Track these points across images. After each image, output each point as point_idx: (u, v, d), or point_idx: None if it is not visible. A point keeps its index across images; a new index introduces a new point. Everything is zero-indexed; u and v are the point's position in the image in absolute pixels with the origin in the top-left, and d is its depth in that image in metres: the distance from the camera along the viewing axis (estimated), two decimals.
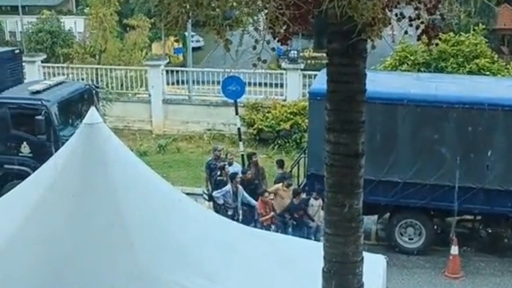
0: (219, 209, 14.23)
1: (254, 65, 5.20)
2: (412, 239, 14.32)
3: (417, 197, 13.86)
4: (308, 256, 7.02)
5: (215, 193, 14.50)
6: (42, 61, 24.79)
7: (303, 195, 14.15)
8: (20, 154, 15.85)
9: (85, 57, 28.88)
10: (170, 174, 18.55)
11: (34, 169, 9.81)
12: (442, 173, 13.75)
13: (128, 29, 31.19)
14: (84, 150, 6.93)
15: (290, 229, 13.93)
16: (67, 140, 7.73)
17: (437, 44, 5.60)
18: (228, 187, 14.32)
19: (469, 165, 13.77)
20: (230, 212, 14.09)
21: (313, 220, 14.02)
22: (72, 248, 6.57)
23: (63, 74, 22.94)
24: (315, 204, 13.98)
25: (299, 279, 7.19)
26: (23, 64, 19.50)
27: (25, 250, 6.67)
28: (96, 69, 25.08)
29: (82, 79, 23.35)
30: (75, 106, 16.71)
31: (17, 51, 18.76)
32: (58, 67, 25.34)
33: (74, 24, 38.35)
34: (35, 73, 23.36)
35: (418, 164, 13.95)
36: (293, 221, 14.05)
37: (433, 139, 13.88)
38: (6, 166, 15.88)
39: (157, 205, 7.11)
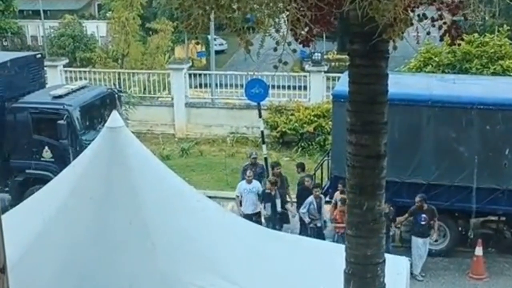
0: (307, 229, 13.77)
1: (275, 67, 5.20)
2: (436, 240, 14.19)
3: (442, 198, 13.75)
4: (332, 258, 6.98)
5: (301, 210, 14.00)
6: (64, 66, 24.96)
7: None
8: (42, 159, 15.89)
9: (108, 61, 29.08)
10: (193, 177, 18.59)
11: (56, 173, 9.88)
12: (466, 174, 13.65)
13: (151, 33, 31.36)
14: (106, 154, 6.97)
15: None
16: (89, 144, 7.78)
17: (459, 45, 5.55)
18: (311, 198, 13.86)
19: (493, 166, 13.66)
20: (319, 224, 13.82)
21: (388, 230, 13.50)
22: (95, 250, 6.61)
23: (85, 79, 23.13)
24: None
25: (321, 282, 7.16)
26: (45, 68, 19.62)
27: (49, 253, 6.73)
28: (119, 73, 25.22)
29: (105, 84, 23.49)
30: (97, 111, 16.76)
31: (39, 55, 18.89)
32: (80, 71, 25.54)
33: (96, 28, 38.69)
34: (57, 77, 23.51)
35: (442, 165, 13.87)
36: None
37: (457, 140, 13.79)
38: (27, 171, 15.89)
39: (178, 208, 7.13)
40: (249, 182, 14.34)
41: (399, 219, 13.74)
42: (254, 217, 13.74)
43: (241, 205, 14.37)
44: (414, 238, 13.55)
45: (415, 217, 13.47)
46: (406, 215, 13.59)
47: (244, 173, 15.00)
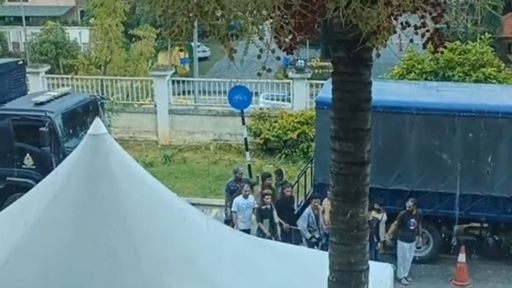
0: (309, 243, 13.53)
1: (259, 74, 5.19)
2: (419, 247, 14.24)
3: (425, 205, 13.81)
4: (316, 265, 6.98)
5: (301, 225, 13.74)
6: (46, 72, 24.83)
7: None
8: (24, 166, 15.75)
9: (90, 68, 28.99)
10: (176, 184, 18.54)
11: (37, 181, 9.80)
12: (449, 181, 13.73)
13: (134, 39, 31.31)
14: (89, 161, 6.92)
15: None
16: (71, 151, 7.72)
17: (442, 52, 5.58)
18: (309, 210, 13.72)
19: (476, 173, 13.76)
20: (317, 235, 13.60)
21: (378, 239, 13.58)
22: (77, 258, 6.55)
23: (68, 85, 22.99)
24: (379, 219, 13.65)
25: None
26: (27, 75, 19.48)
27: (30, 261, 6.65)
28: (101, 80, 25.14)
29: (87, 91, 23.37)
30: (79, 117, 16.66)
31: (20, 62, 18.75)
32: (62, 78, 25.41)
33: (79, 35, 38.55)
34: (39, 84, 23.39)
35: (426, 172, 13.95)
36: None
37: (440, 148, 13.89)
38: (8, 178, 15.73)
39: (162, 215, 7.09)
40: (246, 197, 14.12)
41: (390, 229, 13.72)
42: (247, 233, 13.60)
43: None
44: (400, 243, 13.58)
45: (404, 222, 13.49)
46: (396, 222, 13.60)
47: (229, 190, 14.79)
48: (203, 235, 7.44)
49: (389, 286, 8.38)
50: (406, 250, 13.52)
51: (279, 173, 15.51)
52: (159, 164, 20.87)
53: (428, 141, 13.97)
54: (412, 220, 13.43)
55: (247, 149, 18.58)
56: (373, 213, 13.45)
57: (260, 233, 13.72)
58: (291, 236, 13.81)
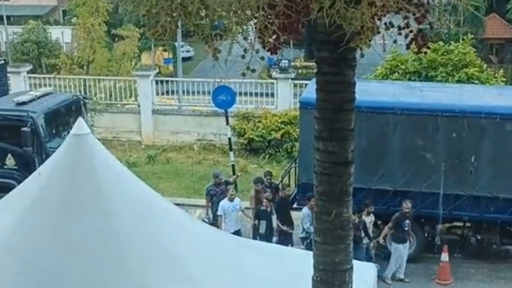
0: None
1: (243, 74, 5.19)
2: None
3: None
4: (301, 265, 6.99)
5: (307, 227, 13.37)
6: (28, 72, 24.61)
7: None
8: (5, 166, 15.56)
9: (73, 67, 28.79)
10: (160, 184, 18.47)
11: (19, 181, 9.70)
12: (432, 181, 13.80)
13: (117, 39, 31.14)
14: (71, 161, 6.89)
15: None
16: (54, 151, 7.67)
17: (425, 53, 5.62)
18: (306, 210, 13.42)
19: (459, 173, 13.85)
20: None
21: (370, 240, 13.57)
22: (59, 258, 6.52)
23: (50, 85, 22.83)
24: (367, 221, 13.63)
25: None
26: (8, 75, 19.30)
27: (12, 261, 6.61)
28: (84, 79, 24.98)
29: (70, 91, 23.23)
30: (62, 117, 16.53)
31: (2, 61, 18.62)
32: (44, 78, 25.19)
33: (61, 34, 38.28)
34: (20, 84, 23.17)
35: (409, 172, 14.01)
36: None
37: (423, 148, 13.95)
38: None
39: (146, 215, 7.07)
40: (231, 200, 14.00)
41: (384, 231, 13.71)
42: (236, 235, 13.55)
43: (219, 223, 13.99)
44: (395, 244, 13.62)
45: (400, 223, 13.51)
46: (390, 224, 13.60)
47: (209, 195, 14.68)
48: (188, 235, 7.43)
49: (373, 286, 8.43)
50: (401, 250, 13.57)
51: (269, 174, 15.52)
52: (142, 164, 20.79)
53: (411, 141, 14.03)
54: (407, 221, 13.48)
55: (231, 149, 18.56)
56: (363, 216, 13.49)
57: (255, 233, 13.73)
58: (290, 238, 13.79)
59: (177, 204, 9.85)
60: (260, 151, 21.36)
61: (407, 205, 13.44)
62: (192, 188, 18.82)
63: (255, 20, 5.06)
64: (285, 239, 13.65)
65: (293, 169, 15.95)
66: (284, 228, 13.87)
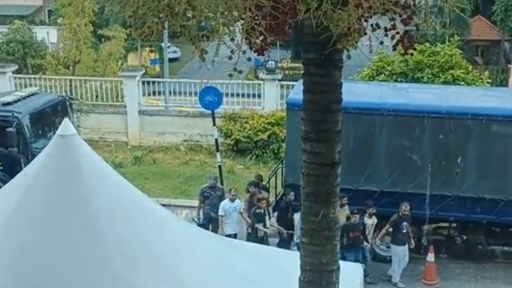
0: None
1: (230, 75, 5.19)
2: (389, 247, 14.32)
3: (394, 205, 13.90)
4: (288, 265, 7.00)
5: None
6: (13, 72, 24.45)
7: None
8: None
9: (59, 68, 28.57)
10: (146, 185, 18.43)
11: (4, 182, 9.67)
12: (418, 181, 13.86)
13: (103, 40, 30.98)
14: (57, 162, 6.86)
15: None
16: (39, 152, 7.63)
17: (412, 54, 5.64)
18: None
19: (445, 174, 13.93)
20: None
21: (368, 242, 13.57)
22: (45, 258, 6.49)
23: (36, 86, 22.69)
24: (369, 223, 13.63)
25: None
26: None
27: None
28: (70, 80, 24.85)
29: (56, 91, 23.10)
30: (48, 118, 16.45)
31: None
32: (30, 78, 25.03)
33: (46, 34, 37.97)
34: (6, 84, 23.05)
35: (395, 173, 14.07)
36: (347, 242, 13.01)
37: (410, 148, 14.01)
38: None
39: (132, 216, 7.05)
40: (232, 200, 14.07)
41: (381, 233, 13.74)
42: (234, 237, 13.43)
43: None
44: (394, 247, 13.62)
45: (397, 226, 13.49)
46: (388, 226, 13.61)
47: (203, 195, 14.66)
48: (174, 235, 7.42)
49: (359, 286, 8.45)
50: (401, 253, 13.56)
51: (259, 178, 15.48)
52: (129, 165, 20.72)
53: (398, 142, 14.09)
54: (405, 223, 13.46)
55: (217, 150, 18.54)
56: (365, 219, 13.49)
57: (250, 236, 13.70)
58: (290, 241, 13.71)
59: (163, 205, 9.85)
60: (247, 152, 21.36)
61: (405, 208, 13.41)
62: (179, 188, 18.79)
63: (242, 21, 5.06)
64: (286, 242, 13.64)
65: (280, 170, 15.96)
66: (276, 226, 13.85)
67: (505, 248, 15.25)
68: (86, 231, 6.63)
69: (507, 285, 13.93)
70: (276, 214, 14.41)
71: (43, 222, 6.69)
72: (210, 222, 14.48)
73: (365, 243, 13.57)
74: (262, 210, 13.88)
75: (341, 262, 6.35)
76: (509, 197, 13.82)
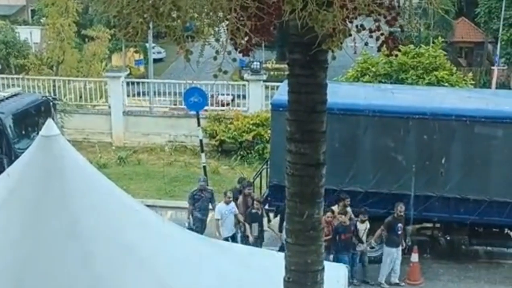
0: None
1: (215, 76, 5.17)
2: (373, 247, 14.37)
3: (379, 206, 13.96)
4: (274, 266, 7.00)
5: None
6: None
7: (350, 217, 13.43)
8: None
9: (42, 68, 28.42)
10: (131, 186, 18.36)
11: None
12: (403, 182, 13.91)
13: (87, 40, 30.84)
14: (40, 162, 6.81)
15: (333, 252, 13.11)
16: (22, 153, 7.58)
17: (396, 56, 5.66)
18: None
19: (429, 175, 14.00)
20: None
21: (362, 242, 13.57)
22: (28, 259, 6.43)
23: (19, 86, 22.55)
24: (361, 228, 13.60)
25: None
26: None
27: None
28: (54, 80, 24.71)
29: (39, 91, 22.96)
30: (31, 118, 16.36)
31: None
32: (13, 78, 24.86)
33: (29, 34, 37.74)
34: None
35: (380, 173, 14.12)
36: (339, 244, 13.24)
37: (394, 149, 14.07)
38: None
39: (115, 216, 7.01)
40: (228, 203, 13.98)
41: (376, 234, 13.73)
42: (231, 240, 13.43)
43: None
44: (388, 249, 13.63)
45: (392, 227, 13.49)
46: (382, 227, 13.61)
47: (193, 199, 14.51)
48: (158, 236, 7.39)
49: (344, 286, 8.47)
50: (394, 254, 13.58)
51: (244, 180, 15.39)
52: (113, 166, 20.64)
53: (382, 143, 14.14)
54: (399, 225, 13.49)
55: (202, 151, 18.52)
56: (358, 224, 13.49)
57: (245, 238, 13.67)
58: None
59: (148, 206, 9.79)
60: (231, 152, 21.35)
61: (400, 209, 13.42)
62: (163, 189, 18.75)
63: (227, 22, 5.05)
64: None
65: (264, 170, 15.97)
66: (275, 232, 13.91)
67: (488, 248, 15.39)
68: (69, 232, 6.58)
69: (490, 284, 14.05)
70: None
71: (26, 223, 6.64)
72: (201, 225, 14.41)
73: (357, 248, 13.56)
74: (258, 211, 13.83)
75: (325, 263, 6.36)
76: (492, 197, 13.93)
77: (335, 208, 13.52)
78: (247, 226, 13.81)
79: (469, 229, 14.62)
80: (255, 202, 13.96)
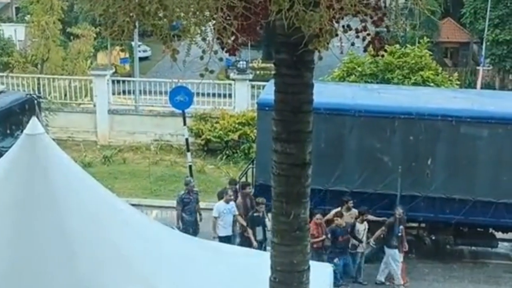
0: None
1: (202, 76, 5.16)
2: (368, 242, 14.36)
3: (364, 205, 13.98)
4: (259, 265, 6.99)
5: None
6: None
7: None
8: None
9: (26, 66, 28.24)
10: (116, 185, 18.28)
11: None
12: (388, 182, 13.95)
13: (72, 38, 30.66)
14: (25, 161, 6.75)
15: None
16: (6, 151, 7.51)
17: (383, 56, 5.68)
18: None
19: (415, 175, 14.05)
20: None
21: (362, 242, 13.51)
22: (11, 258, 6.39)
23: (2, 84, 22.37)
24: (361, 229, 13.54)
25: None
26: None
27: None
28: (38, 78, 24.56)
29: (23, 89, 22.81)
30: (15, 117, 16.21)
31: None
32: None
33: (14, 32, 37.45)
34: None
35: (365, 173, 14.15)
36: (336, 246, 13.22)
37: (380, 149, 14.10)
38: None
39: (100, 215, 6.97)
40: (227, 202, 13.73)
41: (376, 235, 13.69)
42: (228, 240, 13.26)
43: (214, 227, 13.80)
44: (388, 250, 13.56)
45: (392, 229, 13.45)
46: (383, 228, 13.57)
47: (182, 202, 14.26)
48: (143, 236, 7.36)
49: (329, 286, 8.48)
50: (395, 255, 13.53)
51: (233, 182, 15.19)
52: (98, 165, 20.55)
53: (369, 142, 14.18)
54: (401, 227, 13.44)
55: (188, 150, 18.47)
56: (357, 224, 13.46)
57: (243, 242, 13.41)
58: None
59: (133, 205, 9.76)
60: (217, 152, 21.33)
61: (398, 212, 13.39)
62: (149, 188, 18.68)
63: (214, 21, 5.04)
64: None
65: (250, 170, 15.96)
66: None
67: (473, 248, 15.47)
68: (53, 232, 6.54)
69: (474, 284, 14.13)
70: None
71: (10, 222, 6.59)
72: (194, 226, 14.29)
73: (358, 249, 13.55)
74: (260, 214, 13.58)
75: (311, 262, 6.36)
76: (477, 197, 14.00)
77: (338, 210, 13.55)
78: (250, 230, 13.49)
79: (454, 229, 14.71)
80: (256, 203, 13.65)
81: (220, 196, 14.27)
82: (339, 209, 13.62)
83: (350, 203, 13.62)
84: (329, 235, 13.33)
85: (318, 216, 13.17)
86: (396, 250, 13.55)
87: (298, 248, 6.13)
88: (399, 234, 13.49)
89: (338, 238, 13.19)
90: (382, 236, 13.70)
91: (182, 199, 14.38)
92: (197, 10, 4.99)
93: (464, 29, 42.76)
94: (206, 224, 14.42)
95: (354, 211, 13.66)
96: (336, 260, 12.85)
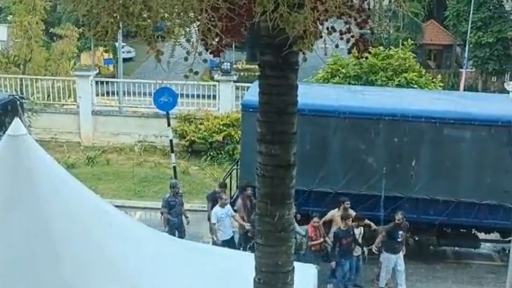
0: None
1: (186, 77, 5.15)
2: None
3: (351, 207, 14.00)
4: (243, 266, 6.99)
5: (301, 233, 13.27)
6: None
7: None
8: None
9: (9, 66, 28.03)
10: (99, 186, 18.21)
11: None
12: (372, 183, 14.01)
13: (55, 38, 30.49)
14: (7, 162, 6.71)
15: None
16: None
17: (367, 58, 5.70)
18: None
19: (399, 176, 14.11)
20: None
21: (361, 246, 13.42)
22: None
23: None
24: (356, 233, 13.42)
25: None
26: None
27: None
28: (21, 79, 24.42)
29: (6, 90, 22.65)
30: None
31: None
32: None
33: None
34: None
35: (349, 174, 14.18)
36: (340, 249, 13.11)
37: (364, 151, 14.15)
38: None
39: (84, 216, 6.94)
40: (223, 206, 13.70)
41: (377, 241, 13.55)
42: (230, 242, 13.32)
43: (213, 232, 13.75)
44: (387, 254, 13.48)
45: (392, 234, 13.39)
46: (384, 233, 13.50)
47: (168, 206, 14.18)
48: (127, 237, 7.34)
49: (313, 287, 8.50)
50: (393, 261, 13.46)
51: (223, 186, 15.08)
52: (81, 166, 20.45)
53: (353, 144, 14.22)
54: (400, 232, 13.40)
55: (172, 151, 18.43)
56: (355, 229, 13.40)
57: (242, 244, 13.45)
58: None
59: (117, 206, 9.72)
60: (201, 153, 21.31)
61: (398, 217, 13.34)
62: (133, 190, 18.62)
63: (198, 23, 5.03)
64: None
65: (234, 171, 15.95)
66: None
67: (456, 248, 15.57)
68: (36, 234, 6.50)
69: (458, 284, 14.22)
70: None
71: None
72: (181, 227, 14.28)
73: (357, 252, 13.49)
74: None
75: (295, 264, 6.38)
76: (460, 198, 14.09)
77: (335, 211, 13.53)
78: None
79: (438, 230, 14.78)
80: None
81: (210, 199, 14.26)
82: (336, 210, 13.59)
83: (347, 204, 13.51)
84: (326, 238, 13.36)
85: (316, 219, 13.18)
86: (394, 255, 13.44)
87: (283, 249, 6.14)
88: (399, 239, 13.40)
89: (342, 240, 13.11)
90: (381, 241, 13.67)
91: (168, 202, 14.33)
92: (181, 11, 4.98)
93: (448, 32, 43.05)
94: (192, 226, 14.40)
95: (352, 212, 13.59)
96: (333, 263, 12.90)
